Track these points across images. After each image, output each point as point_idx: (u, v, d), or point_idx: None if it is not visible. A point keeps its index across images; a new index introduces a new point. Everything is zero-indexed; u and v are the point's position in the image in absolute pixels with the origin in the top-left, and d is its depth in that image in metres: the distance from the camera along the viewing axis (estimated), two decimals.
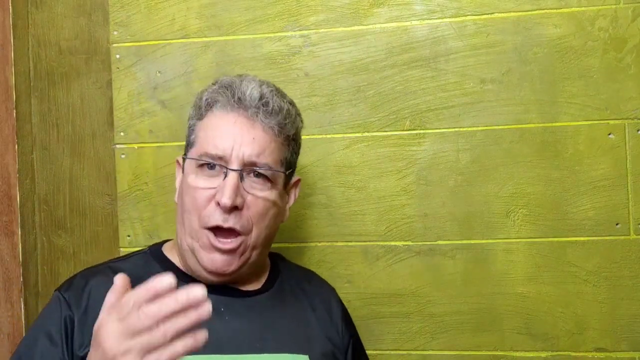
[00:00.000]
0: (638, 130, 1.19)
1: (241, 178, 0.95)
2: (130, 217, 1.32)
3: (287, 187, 1.04)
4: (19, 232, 1.33)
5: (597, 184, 1.20)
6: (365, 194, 1.26)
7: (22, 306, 1.32)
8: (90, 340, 0.76)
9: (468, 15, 1.23)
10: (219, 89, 0.98)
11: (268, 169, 0.97)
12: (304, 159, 1.27)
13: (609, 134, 1.20)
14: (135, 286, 0.86)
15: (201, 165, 0.96)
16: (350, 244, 1.27)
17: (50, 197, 1.34)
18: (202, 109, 0.99)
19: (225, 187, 0.93)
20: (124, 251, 1.31)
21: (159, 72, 1.32)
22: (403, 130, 1.25)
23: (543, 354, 1.21)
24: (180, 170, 1.04)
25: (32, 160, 1.35)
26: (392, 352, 1.25)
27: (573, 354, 1.20)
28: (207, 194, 0.95)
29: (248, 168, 0.96)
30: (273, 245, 1.29)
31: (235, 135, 0.95)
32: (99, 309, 0.75)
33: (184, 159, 1.02)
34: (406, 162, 1.25)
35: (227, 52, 1.30)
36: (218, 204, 0.93)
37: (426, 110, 1.24)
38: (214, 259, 0.95)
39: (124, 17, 1.33)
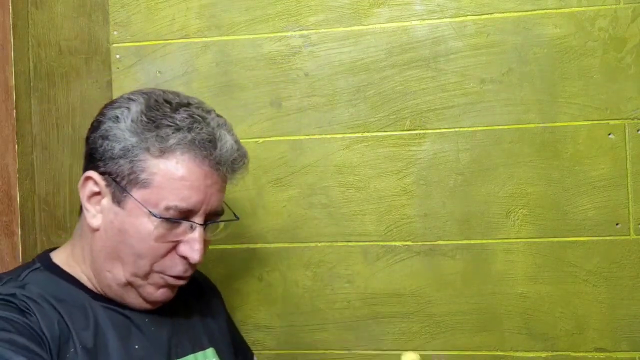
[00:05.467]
0: (638, 130, 1.19)
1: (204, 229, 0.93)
2: None
3: None
4: (19, 232, 1.32)
5: (597, 184, 1.20)
6: (365, 194, 1.26)
7: None
8: None
9: (468, 15, 1.23)
10: (198, 141, 0.89)
11: (223, 221, 0.97)
12: (304, 159, 1.27)
13: (609, 134, 1.20)
14: (62, 301, 0.88)
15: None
16: (350, 244, 1.27)
17: (50, 197, 1.34)
18: (164, 151, 0.89)
19: (195, 244, 0.90)
20: None
21: (159, 72, 1.32)
22: (403, 130, 1.25)
23: (543, 354, 1.21)
24: (93, 187, 0.91)
25: (32, 160, 1.35)
26: (392, 352, 1.25)
27: (573, 354, 1.20)
28: (169, 246, 0.91)
29: (210, 221, 0.94)
30: (273, 245, 1.29)
31: (206, 189, 0.90)
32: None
33: (110, 182, 0.90)
34: (406, 162, 1.25)
35: (227, 52, 1.30)
36: (184, 257, 0.91)
37: (426, 110, 1.24)
38: (163, 292, 0.94)
39: (124, 17, 1.33)
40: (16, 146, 1.33)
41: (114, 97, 1.31)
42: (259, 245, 1.29)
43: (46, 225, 1.34)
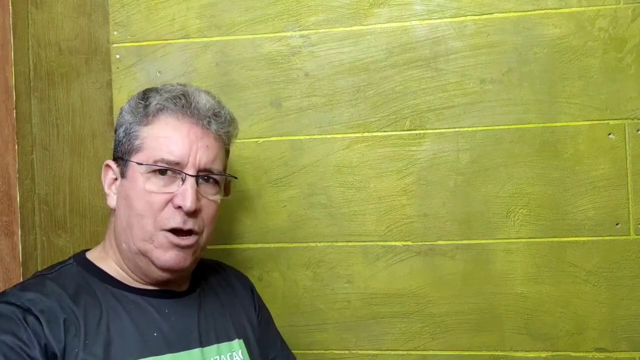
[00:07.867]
0: (638, 130, 1.19)
1: (197, 183, 0.98)
2: None
3: (227, 189, 1.09)
4: (19, 232, 1.32)
5: (597, 184, 1.20)
6: (365, 194, 1.26)
7: None
8: None
9: (468, 15, 1.23)
10: (172, 98, 0.99)
11: (221, 175, 1.02)
12: (304, 159, 1.27)
13: (609, 134, 1.20)
14: (79, 295, 0.94)
15: (153, 171, 0.97)
16: (350, 244, 1.27)
17: (50, 197, 1.34)
18: (148, 115, 0.99)
19: (187, 192, 0.95)
20: None
21: (159, 72, 1.32)
22: (403, 130, 1.25)
23: (543, 354, 1.21)
24: (111, 174, 1.03)
25: (32, 160, 1.35)
26: (392, 352, 1.25)
27: (573, 354, 1.20)
28: (163, 198, 0.96)
29: (203, 174, 0.99)
30: (273, 245, 1.29)
31: (191, 143, 0.97)
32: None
33: (119, 162, 1.01)
34: (406, 162, 1.25)
35: (227, 52, 1.30)
36: (179, 207, 0.96)
37: (426, 110, 1.24)
38: (171, 256, 0.97)
39: (124, 17, 1.33)
40: (16, 146, 1.33)
41: (114, 97, 1.33)
42: (259, 245, 1.29)
43: (46, 225, 1.34)
